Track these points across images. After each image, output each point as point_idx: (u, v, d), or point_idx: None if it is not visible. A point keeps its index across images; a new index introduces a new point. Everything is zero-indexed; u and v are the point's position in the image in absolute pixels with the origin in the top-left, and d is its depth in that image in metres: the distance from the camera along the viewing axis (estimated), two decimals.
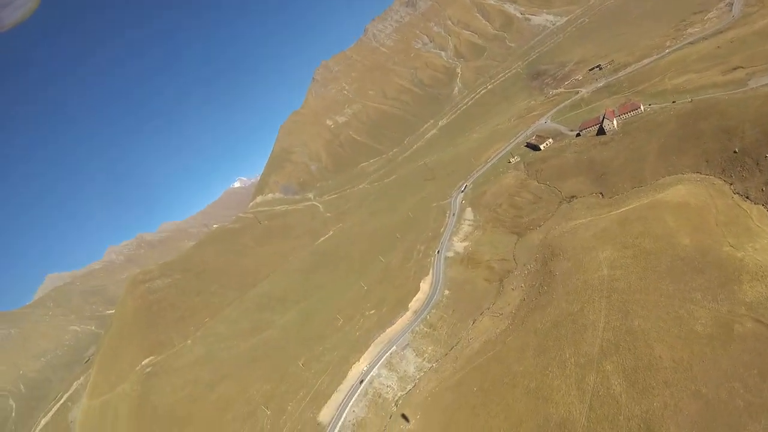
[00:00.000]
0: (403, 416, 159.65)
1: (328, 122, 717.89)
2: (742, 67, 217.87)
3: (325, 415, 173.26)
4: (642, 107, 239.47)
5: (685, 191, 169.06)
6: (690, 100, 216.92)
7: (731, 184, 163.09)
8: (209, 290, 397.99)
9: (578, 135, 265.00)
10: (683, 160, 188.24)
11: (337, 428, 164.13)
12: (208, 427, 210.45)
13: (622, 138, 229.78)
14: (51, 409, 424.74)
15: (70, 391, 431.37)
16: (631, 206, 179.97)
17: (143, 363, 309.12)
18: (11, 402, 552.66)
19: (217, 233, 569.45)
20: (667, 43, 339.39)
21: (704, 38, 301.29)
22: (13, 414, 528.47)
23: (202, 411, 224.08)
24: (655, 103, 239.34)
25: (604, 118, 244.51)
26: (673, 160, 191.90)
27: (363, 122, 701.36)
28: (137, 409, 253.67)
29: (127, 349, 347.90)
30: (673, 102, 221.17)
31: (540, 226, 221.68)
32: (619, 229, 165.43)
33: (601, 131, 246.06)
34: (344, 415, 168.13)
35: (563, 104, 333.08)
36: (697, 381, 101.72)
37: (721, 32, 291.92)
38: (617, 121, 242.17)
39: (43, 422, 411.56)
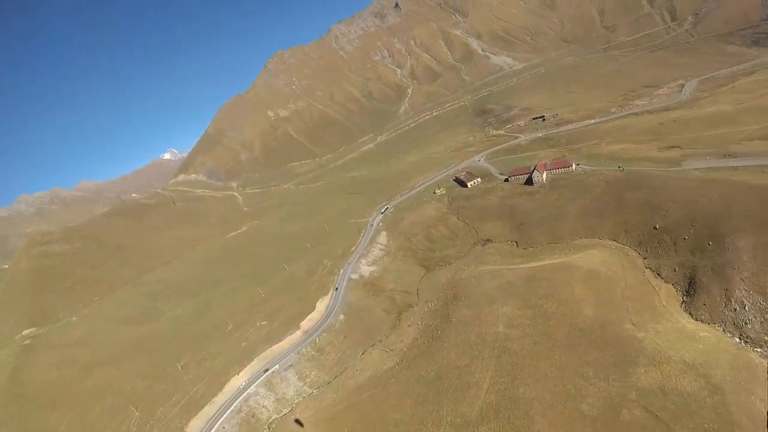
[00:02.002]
0: (297, 421, 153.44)
1: (270, 113, 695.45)
2: (679, 147, 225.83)
3: (193, 427, 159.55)
4: (574, 166, 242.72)
5: (599, 257, 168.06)
6: (621, 168, 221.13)
7: (645, 258, 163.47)
8: (107, 265, 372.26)
9: (507, 180, 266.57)
10: (603, 225, 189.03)
11: None
12: (74, 415, 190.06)
13: (549, 192, 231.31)
14: None
15: None
16: (542, 263, 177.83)
17: (23, 333, 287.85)
18: None
19: (129, 205, 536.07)
20: (613, 110, 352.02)
21: (649, 112, 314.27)
22: None
23: (72, 398, 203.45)
24: (588, 165, 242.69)
25: (535, 169, 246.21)
26: (593, 224, 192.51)
27: (305, 121, 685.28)
28: (7, 383, 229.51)
29: (11, 312, 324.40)
30: (620, 167, 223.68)
31: (450, 264, 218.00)
32: (524, 286, 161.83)
33: (529, 181, 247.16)
34: (213, 430, 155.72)
35: (500, 146, 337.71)
36: None
37: (667, 110, 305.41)
38: (547, 175, 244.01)
39: None
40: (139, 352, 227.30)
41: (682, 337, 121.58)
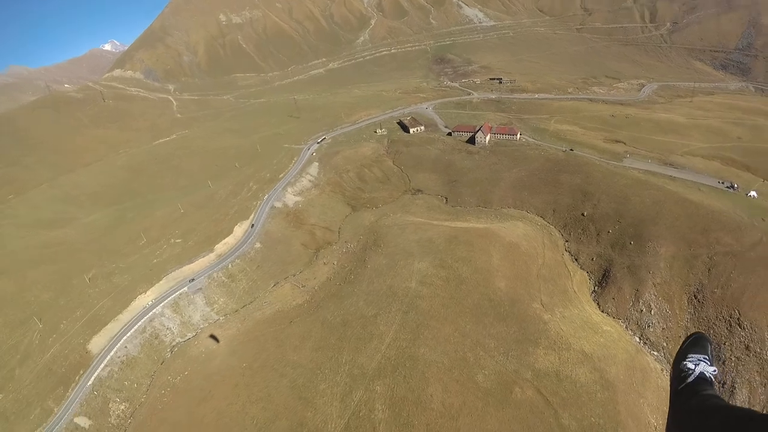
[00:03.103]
0: (212, 336, 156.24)
1: (221, 17, 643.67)
2: (624, 144, 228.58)
3: (96, 344, 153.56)
4: (518, 135, 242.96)
5: (522, 230, 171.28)
6: (568, 150, 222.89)
7: (567, 242, 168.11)
8: (24, 162, 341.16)
9: (450, 134, 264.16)
10: (533, 200, 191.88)
11: (104, 362, 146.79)
12: None
13: (488, 155, 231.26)
14: None
15: None
16: (467, 224, 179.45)
17: None
18: None
19: (55, 98, 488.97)
20: (570, 90, 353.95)
21: (604, 102, 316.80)
22: None
23: None
24: (533, 138, 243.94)
25: (480, 129, 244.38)
26: (524, 196, 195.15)
27: (257, 32, 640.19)
28: None
29: None
30: (569, 149, 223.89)
31: (377, 208, 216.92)
32: (444, 245, 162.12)
33: (472, 140, 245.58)
34: (116, 348, 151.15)
35: (451, 99, 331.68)
36: None
37: (622, 104, 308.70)
38: (490, 138, 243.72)
39: None
40: (47, 260, 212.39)
41: (585, 327, 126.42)
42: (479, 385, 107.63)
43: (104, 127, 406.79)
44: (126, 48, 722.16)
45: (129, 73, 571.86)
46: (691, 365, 8.01)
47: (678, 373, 8.14)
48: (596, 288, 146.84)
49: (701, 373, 7.86)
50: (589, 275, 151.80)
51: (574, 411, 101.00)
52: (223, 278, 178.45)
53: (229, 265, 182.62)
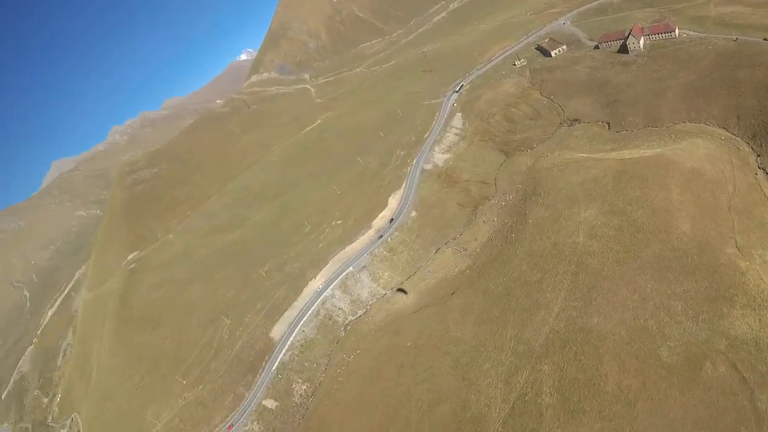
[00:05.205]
0: (401, 290, 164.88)
1: None
2: None
3: (276, 331, 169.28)
4: (677, 31, 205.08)
5: (704, 150, 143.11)
6: (735, 38, 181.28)
7: (759, 156, 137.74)
8: (192, 181, 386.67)
9: (597, 47, 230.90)
10: (710, 108, 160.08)
11: (286, 346, 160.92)
12: (174, 330, 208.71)
13: (646, 63, 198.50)
14: (56, 301, 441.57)
15: (72, 282, 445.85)
16: (636, 153, 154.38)
17: (128, 258, 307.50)
18: (25, 292, 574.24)
19: (205, 118, 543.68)
20: None
21: None
22: (28, 304, 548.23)
23: (172, 314, 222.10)
24: (694, 31, 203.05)
25: (630, 34, 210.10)
26: (698, 105, 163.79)
27: None
28: (118, 310, 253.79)
29: (115, 242, 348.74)
30: (735, 38, 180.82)
31: (532, 149, 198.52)
32: (612, 185, 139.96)
33: (623, 49, 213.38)
34: (294, 333, 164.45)
35: (588, 5, 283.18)
36: (636, 424, 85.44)
37: None
38: (644, 41, 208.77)
39: (50, 313, 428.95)
40: (228, 261, 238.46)
41: None
42: (662, 361, 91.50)
43: (253, 131, 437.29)
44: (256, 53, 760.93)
45: (264, 75, 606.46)
46: None
47: None
48: None
49: None
50: None
51: None
52: (384, 253, 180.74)
53: (389, 239, 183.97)
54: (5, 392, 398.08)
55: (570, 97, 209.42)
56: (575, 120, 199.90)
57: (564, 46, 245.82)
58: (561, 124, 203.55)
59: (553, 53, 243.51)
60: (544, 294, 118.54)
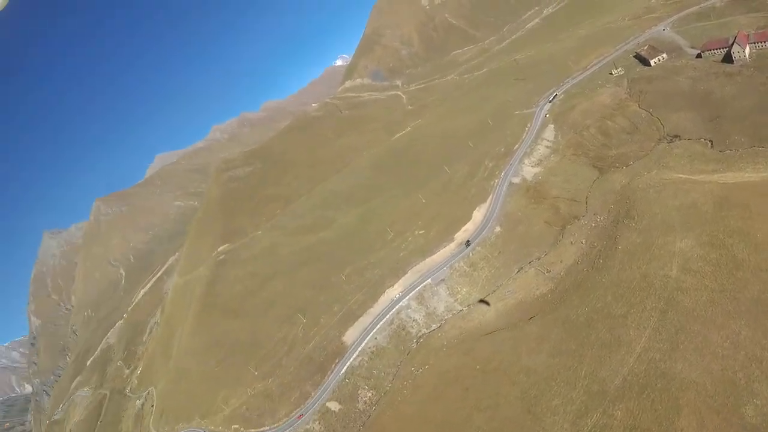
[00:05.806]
0: (483, 301, 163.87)
1: (423, 2, 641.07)
2: None
3: (350, 336, 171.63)
4: None
5: None
6: None
7: None
8: (284, 181, 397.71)
9: (699, 56, 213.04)
10: None
11: (357, 352, 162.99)
12: (251, 323, 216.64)
13: (753, 74, 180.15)
14: (149, 281, 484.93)
15: (165, 266, 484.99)
16: (740, 176, 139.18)
17: (219, 249, 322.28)
18: (122, 271, 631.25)
19: (300, 121, 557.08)
20: None
21: None
22: (123, 281, 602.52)
23: (252, 306, 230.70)
24: None
25: (734, 41, 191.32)
26: None
27: (461, 3, 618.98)
28: (203, 296, 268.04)
29: (208, 233, 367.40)
30: None
31: (628, 166, 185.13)
32: (713, 212, 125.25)
33: (728, 58, 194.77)
34: (366, 339, 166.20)
35: (689, 10, 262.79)
36: None
37: None
38: (750, 50, 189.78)
39: (142, 292, 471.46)
40: (310, 261, 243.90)
41: None
42: (746, 421, 79.96)
43: (345, 135, 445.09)
44: (351, 59, 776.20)
45: (358, 80, 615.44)
46: None
47: None
48: None
49: None
50: None
51: None
52: (465, 267, 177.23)
53: (470, 254, 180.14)
54: (91, 359, 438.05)
55: (670, 111, 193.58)
56: (675, 136, 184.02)
57: (664, 55, 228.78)
58: (660, 139, 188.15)
59: (652, 62, 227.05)
60: (628, 330, 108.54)
